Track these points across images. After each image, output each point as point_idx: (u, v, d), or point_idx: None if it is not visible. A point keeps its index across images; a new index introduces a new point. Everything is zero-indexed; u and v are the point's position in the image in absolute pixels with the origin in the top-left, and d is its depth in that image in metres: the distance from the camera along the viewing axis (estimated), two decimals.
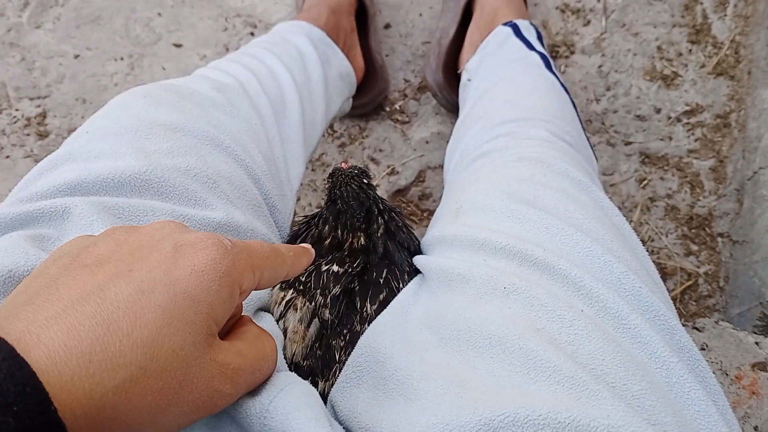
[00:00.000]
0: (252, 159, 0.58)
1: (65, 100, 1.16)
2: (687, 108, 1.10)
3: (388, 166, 1.08)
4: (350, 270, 0.52)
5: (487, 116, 0.74)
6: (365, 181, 0.58)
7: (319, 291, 0.52)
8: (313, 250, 0.42)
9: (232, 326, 0.36)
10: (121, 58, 1.18)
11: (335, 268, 0.53)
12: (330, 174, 0.60)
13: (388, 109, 1.11)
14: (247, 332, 0.36)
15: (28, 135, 1.14)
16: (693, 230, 1.04)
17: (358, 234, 0.55)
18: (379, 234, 0.56)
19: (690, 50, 1.14)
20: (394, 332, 0.47)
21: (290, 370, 0.49)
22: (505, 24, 0.93)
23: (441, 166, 1.08)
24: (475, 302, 0.44)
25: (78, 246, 0.32)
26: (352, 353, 0.47)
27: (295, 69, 0.76)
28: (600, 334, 0.40)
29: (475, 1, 1.02)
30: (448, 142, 1.09)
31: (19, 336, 0.26)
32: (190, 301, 0.29)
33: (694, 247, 1.03)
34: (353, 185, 0.57)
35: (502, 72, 0.85)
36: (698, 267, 1.02)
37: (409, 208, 1.07)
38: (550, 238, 0.48)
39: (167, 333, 0.28)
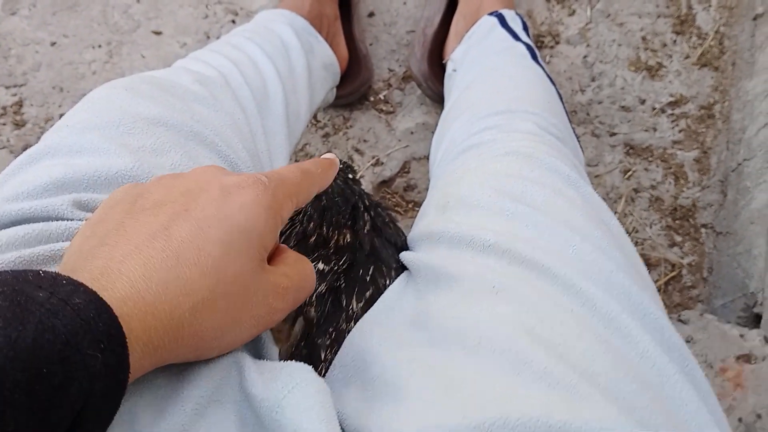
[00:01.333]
0: (236, 154, 0.57)
1: (42, 88, 1.13)
2: (671, 99, 1.10)
3: (373, 157, 1.07)
4: (336, 268, 0.51)
5: (473, 107, 0.73)
6: (350, 176, 0.57)
7: None
8: (337, 160, 0.47)
9: (273, 254, 0.40)
10: (99, 46, 1.15)
11: (321, 266, 0.52)
12: None
13: (372, 99, 1.10)
14: (287, 257, 0.40)
15: (4, 124, 1.11)
16: (677, 221, 1.04)
17: (344, 231, 0.54)
18: (365, 231, 0.54)
19: (675, 41, 1.13)
20: (381, 330, 0.46)
21: None
22: (491, 14, 0.92)
23: (426, 157, 1.07)
24: (464, 301, 0.44)
25: (131, 193, 0.36)
26: (339, 352, 0.46)
27: (278, 59, 0.75)
28: (590, 335, 0.40)
29: None
30: (433, 132, 1.08)
31: (101, 271, 0.30)
32: (242, 233, 0.34)
33: (678, 238, 1.03)
34: (338, 181, 0.56)
35: (487, 62, 0.84)
36: (682, 258, 1.02)
37: (393, 200, 1.06)
38: (538, 235, 0.48)
39: (227, 261, 0.33)
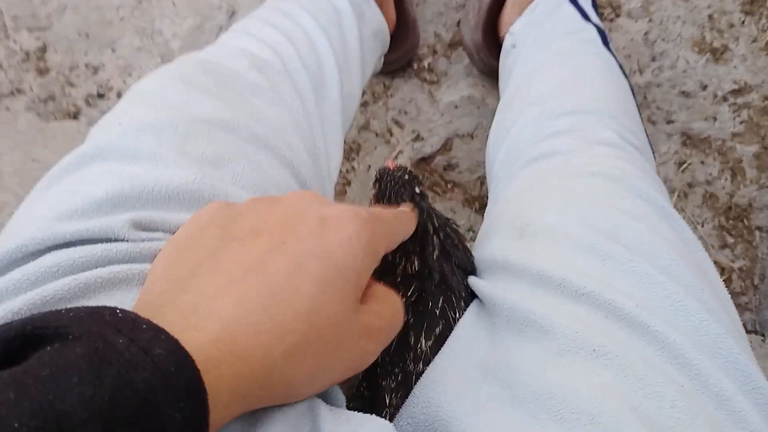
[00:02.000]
0: (298, 157, 0.52)
1: (67, 33, 1.07)
2: (735, 86, 1.03)
3: (413, 131, 1.01)
4: (404, 300, 0.47)
5: (542, 102, 0.67)
6: (417, 190, 0.51)
7: None
8: (415, 214, 0.47)
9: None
10: None
11: None
12: (376, 178, 0.53)
13: (416, 66, 1.03)
14: (377, 292, 0.37)
15: (26, 71, 1.06)
16: (730, 221, 0.99)
17: (412, 257, 0.49)
18: (434, 257, 0.49)
19: (743, 21, 1.05)
20: (456, 384, 0.42)
21: None
22: None
23: (470, 135, 1.01)
24: (556, 361, 0.39)
25: (223, 215, 0.34)
26: (407, 403, 0.43)
27: (332, 31, 0.68)
28: (705, 420, 0.36)
29: None
30: (479, 107, 1.02)
31: (192, 309, 0.28)
32: (340, 271, 0.31)
33: (730, 240, 0.98)
34: (404, 197, 0.51)
35: (555, 46, 0.77)
36: (733, 261, 0.97)
37: (432, 178, 1.01)
38: (638, 285, 0.42)
39: (323, 301, 0.30)
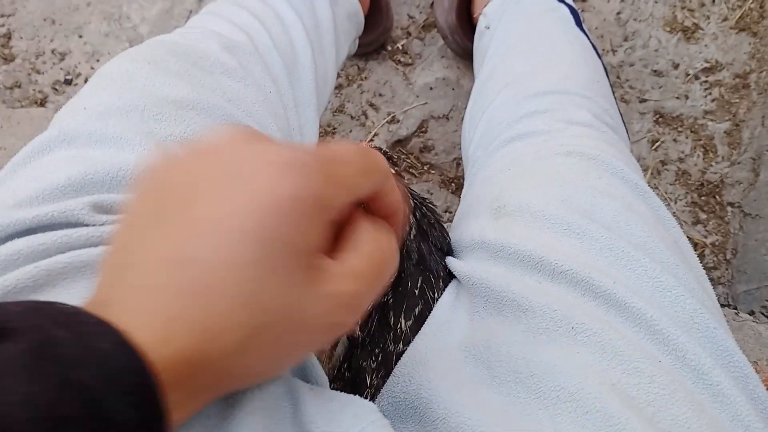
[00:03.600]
0: (270, 135, 0.51)
1: (32, 19, 1.04)
2: (706, 65, 1.04)
3: (388, 113, 1.01)
4: None
5: (517, 82, 0.67)
6: (392, 170, 0.51)
7: None
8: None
9: (341, 230, 0.30)
10: None
11: None
12: None
13: (390, 48, 1.03)
14: (359, 236, 0.30)
15: None
16: (703, 197, 1.00)
17: None
18: (412, 236, 0.49)
19: (713, 1, 1.06)
20: (436, 363, 0.42)
21: None
22: None
23: (445, 116, 1.01)
24: (535, 339, 0.40)
25: (158, 187, 0.28)
26: (388, 383, 0.42)
27: (304, 12, 0.67)
28: (683, 394, 0.36)
29: None
30: (454, 89, 1.01)
31: (135, 304, 0.25)
32: (283, 246, 0.26)
33: (703, 216, 1.00)
34: None
35: (528, 26, 0.77)
36: (705, 237, 0.98)
37: (408, 161, 1.00)
38: (614, 262, 0.43)
39: (267, 285, 0.26)
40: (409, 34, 1.04)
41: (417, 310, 0.46)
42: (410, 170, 1.00)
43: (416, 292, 0.47)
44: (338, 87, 1.02)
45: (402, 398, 0.41)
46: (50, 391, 0.21)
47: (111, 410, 0.22)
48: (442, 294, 0.48)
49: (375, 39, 0.96)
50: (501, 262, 0.46)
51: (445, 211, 0.98)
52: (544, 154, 0.54)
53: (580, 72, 0.66)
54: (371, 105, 1.01)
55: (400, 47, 1.03)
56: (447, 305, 0.47)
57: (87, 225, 0.38)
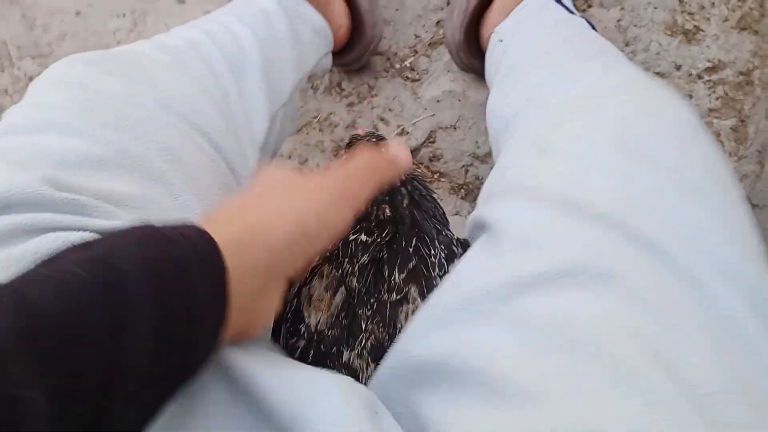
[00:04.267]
0: (206, 118, 0.55)
1: None
2: (708, 65, 1.06)
3: (398, 126, 1.06)
4: (378, 239, 0.51)
5: (552, 56, 0.67)
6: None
7: (347, 260, 0.50)
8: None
9: None
10: (123, 15, 1.15)
11: (363, 237, 0.51)
12: (347, 143, 0.58)
13: (398, 66, 1.08)
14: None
15: None
16: None
17: (383, 206, 0.53)
18: (404, 204, 0.53)
19: (713, 3, 1.09)
20: (463, 315, 0.42)
21: (314, 338, 0.47)
22: None
23: (453, 126, 1.05)
24: (557, 285, 0.39)
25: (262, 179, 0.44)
26: (407, 336, 0.44)
27: (257, 25, 0.72)
28: (708, 344, 0.35)
29: None
30: (459, 100, 1.06)
31: (226, 219, 0.39)
32: (306, 225, 0.40)
33: None
34: None
35: (548, 31, 0.79)
36: None
37: (419, 171, 1.04)
38: (657, 204, 0.42)
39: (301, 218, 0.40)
40: (416, 51, 1.09)
41: (411, 264, 0.50)
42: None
43: (410, 250, 0.50)
44: (350, 104, 1.07)
45: (432, 362, 0.41)
46: (153, 256, 0.31)
47: (194, 275, 0.32)
48: (438, 252, 0.51)
49: (362, 53, 1.01)
50: (534, 204, 0.45)
51: (455, 214, 1.01)
52: (594, 95, 0.53)
53: (611, 49, 0.67)
54: (382, 119, 1.06)
55: (408, 64, 1.08)
56: (474, 257, 0.47)
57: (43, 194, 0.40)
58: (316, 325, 0.48)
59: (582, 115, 0.51)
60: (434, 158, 1.04)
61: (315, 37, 0.83)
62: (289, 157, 1.05)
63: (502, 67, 0.80)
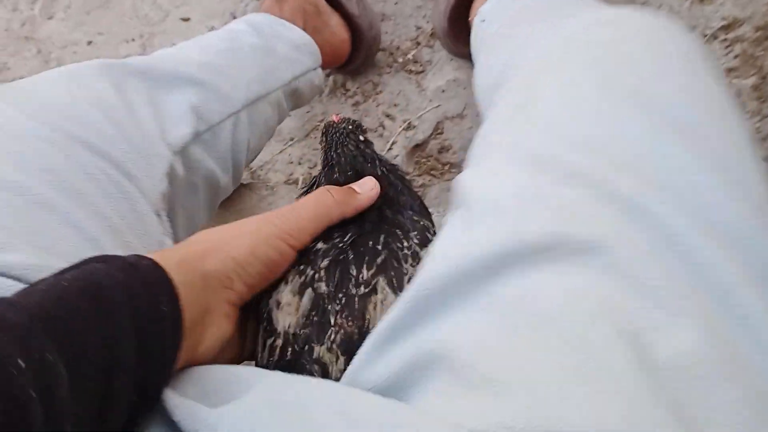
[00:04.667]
0: (86, 126, 0.55)
1: None
2: (724, 23, 1.01)
3: (404, 121, 1.04)
4: (340, 243, 0.50)
5: (531, 16, 0.65)
6: (361, 138, 0.55)
7: (308, 267, 0.50)
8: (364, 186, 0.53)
9: None
10: (133, 39, 1.18)
11: (320, 245, 0.51)
12: (323, 132, 0.57)
13: (400, 60, 1.07)
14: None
15: None
16: None
17: None
18: (373, 206, 0.53)
19: None
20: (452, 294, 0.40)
21: (289, 339, 0.48)
22: None
23: (459, 115, 1.03)
24: (531, 262, 0.37)
25: None
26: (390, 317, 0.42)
27: (206, 42, 0.75)
28: (695, 321, 0.33)
29: None
30: (465, 88, 1.04)
31: (174, 249, 0.45)
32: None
33: None
34: (350, 146, 0.55)
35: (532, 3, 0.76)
36: None
37: (429, 163, 1.03)
38: (646, 153, 0.38)
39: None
40: (418, 43, 1.08)
41: (380, 259, 0.49)
42: (431, 172, 1.02)
43: (378, 246, 0.50)
44: (355, 104, 1.07)
45: (424, 356, 0.39)
46: (122, 277, 0.36)
47: (146, 300, 0.36)
48: (411, 243, 0.50)
49: (362, 61, 1.02)
50: (507, 161, 0.43)
51: None
52: (574, 31, 0.50)
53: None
54: (387, 116, 1.05)
55: (411, 57, 1.07)
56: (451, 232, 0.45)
57: None
58: (287, 327, 0.48)
59: (563, 61, 0.48)
60: (443, 149, 1.03)
61: (294, 52, 0.83)
62: (299, 163, 1.06)
63: (484, 44, 0.78)
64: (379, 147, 1.04)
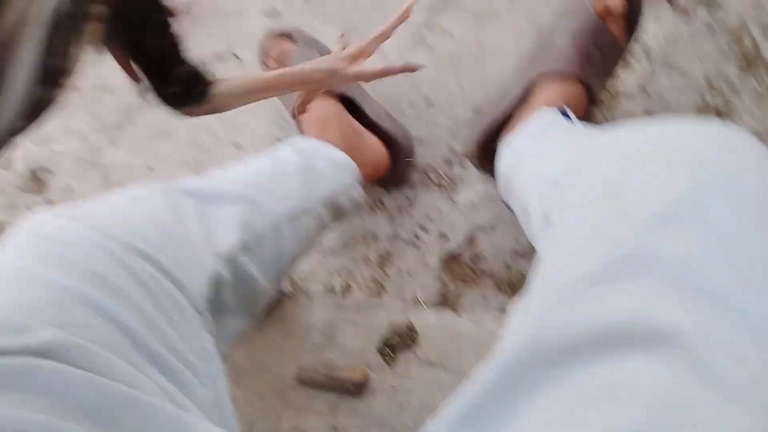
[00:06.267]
0: (142, 238, 0.61)
1: None
2: None
3: (438, 232, 1.09)
4: None
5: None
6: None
7: None
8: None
9: None
10: (188, 163, 1.28)
11: None
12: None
13: (433, 176, 1.13)
14: None
15: None
16: None
17: None
18: None
19: (741, 78, 1.09)
20: None
21: None
22: (551, 107, 0.91)
23: (491, 226, 1.07)
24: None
25: None
26: None
27: (252, 163, 0.87)
28: None
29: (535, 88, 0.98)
30: (495, 201, 1.09)
31: None
32: None
33: None
34: None
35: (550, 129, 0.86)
36: None
37: (463, 272, 1.06)
38: (696, 300, 0.34)
39: None
40: (450, 162, 1.14)
41: None
42: (465, 280, 1.05)
43: None
44: (390, 217, 1.12)
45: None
46: None
47: None
48: None
49: (401, 169, 1.10)
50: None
51: (499, 311, 1.01)
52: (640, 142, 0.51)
53: None
54: (422, 227, 1.10)
55: (443, 174, 1.13)
56: None
57: None
58: None
59: (644, 162, 0.47)
60: (476, 259, 1.06)
61: (333, 168, 0.92)
62: (338, 274, 1.10)
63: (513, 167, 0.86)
64: (415, 258, 1.08)
